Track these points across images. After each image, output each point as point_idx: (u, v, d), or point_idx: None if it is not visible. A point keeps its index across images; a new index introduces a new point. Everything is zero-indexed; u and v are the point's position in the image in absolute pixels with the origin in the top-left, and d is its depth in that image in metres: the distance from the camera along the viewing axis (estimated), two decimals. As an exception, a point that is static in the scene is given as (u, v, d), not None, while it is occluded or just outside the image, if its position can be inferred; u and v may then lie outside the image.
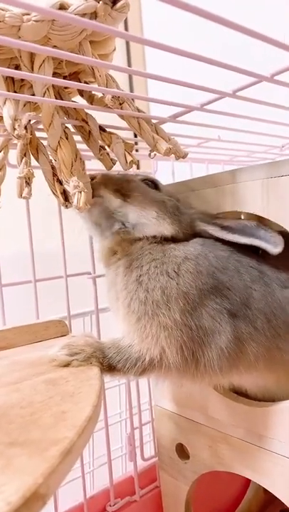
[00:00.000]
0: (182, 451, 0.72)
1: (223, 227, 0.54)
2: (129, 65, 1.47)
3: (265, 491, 0.60)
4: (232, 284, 0.51)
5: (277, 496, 0.57)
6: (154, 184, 0.59)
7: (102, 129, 0.53)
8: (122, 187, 0.56)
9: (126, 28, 1.44)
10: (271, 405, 0.58)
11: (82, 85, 0.47)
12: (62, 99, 0.52)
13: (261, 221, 0.55)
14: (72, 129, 0.55)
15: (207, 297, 0.50)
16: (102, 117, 0.54)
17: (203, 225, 0.56)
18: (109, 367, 0.51)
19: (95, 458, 0.91)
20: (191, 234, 0.56)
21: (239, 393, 0.63)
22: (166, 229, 0.54)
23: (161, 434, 0.76)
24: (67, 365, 0.48)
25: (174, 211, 0.56)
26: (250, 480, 0.66)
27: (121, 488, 0.81)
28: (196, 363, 0.50)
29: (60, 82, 0.44)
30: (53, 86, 0.49)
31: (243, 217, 0.73)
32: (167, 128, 0.56)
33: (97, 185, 0.55)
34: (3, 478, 0.25)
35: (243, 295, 0.51)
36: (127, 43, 1.48)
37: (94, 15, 0.43)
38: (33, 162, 0.53)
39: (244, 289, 0.51)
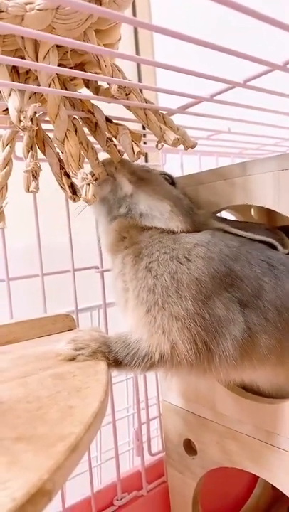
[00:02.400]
0: (190, 447, 0.72)
1: (235, 227, 0.54)
2: (138, 54, 1.45)
3: (273, 487, 0.59)
4: (243, 274, 0.49)
5: (285, 493, 0.56)
6: (171, 180, 0.58)
7: (108, 120, 0.52)
8: (139, 172, 0.56)
9: (134, 15, 1.42)
10: (280, 402, 0.57)
11: (88, 75, 0.46)
12: (67, 91, 0.51)
13: (272, 214, 0.54)
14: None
15: (219, 285, 0.48)
16: (108, 109, 0.54)
17: (218, 224, 0.55)
18: (115, 362, 0.50)
19: (103, 452, 0.91)
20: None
21: (250, 390, 0.62)
22: (177, 226, 0.53)
23: (169, 430, 0.75)
24: (72, 359, 0.47)
25: (188, 210, 0.55)
26: (258, 476, 0.65)
27: (128, 482, 0.81)
28: (210, 356, 0.48)
29: (65, 71, 0.43)
30: (58, 77, 0.48)
31: (253, 210, 0.72)
32: (176, 120, 0.55)
33: (112, 164, 0.55)
34: (8, 474, 0.25)
35: (254, 286, 0.49)
36: (135, 32, 1.46)
37: (98, 2, 0.42)
38: (40, 155, 0.52)
39: (255, 279, 0.50)
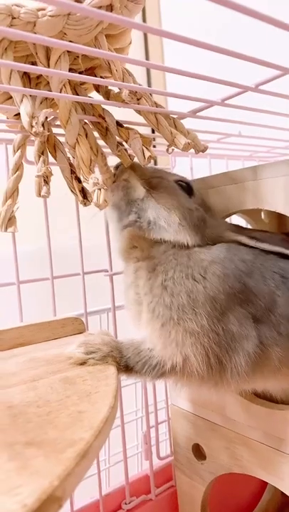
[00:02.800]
0: (198, 452, 0.72)
1: (251, 238, 0.53)
2: (147, 59, 1.45)
3: (283, 493, 0.58)
4: (257, 289, 0.50)
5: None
6: (188, 187, 0.56)
7: (119, 124, 0.52)
8: (152, 179, 0.55)
9: (144, 21, 1.42)
10: (290, 408, 0.56)
11: (99, 80, 0.46)
12: (78, 96, 0.51)
13: (283, 218, 0.54)
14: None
15: (234, 301, 0.49)
16: (119, 114, 0.54)
17: (234, 235, 0.54)
18: (126, 367, 0.50)
19: (111, 455, 0.91)
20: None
21: (263, 397, 0.61)
22: (186, 239, 0.52)
23: (178, 434, 0.75)
24: (83, 363, 0.47)
25: (199, 223, 0.53)
26: (267, 482, 0.65)
27: (136, 486, 0.81)
28: (221, 370, 0.48)
29: (76, 77, 0.43)
30: (69, 82, 0.48)
31: (263, 214, 0.72)
32: (186, 124, 0.55)
33: (125, 169, 0.55)
34: (19, 480, 0.25)
35: (267, 301, 0.50)
36: (145, 37, 1.46)
37: (110, 7, 0.42)
38: (51, 160, 0.53)
39: (269, 294, 0.50)
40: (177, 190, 0.55)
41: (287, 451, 0.56)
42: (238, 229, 0.57)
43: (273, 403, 0.59)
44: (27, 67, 0.42)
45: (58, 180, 0.53)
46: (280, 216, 0.68)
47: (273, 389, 0.58)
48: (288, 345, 0.50)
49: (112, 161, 0.60)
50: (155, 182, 0.54)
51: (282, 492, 0.58)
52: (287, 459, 0.57)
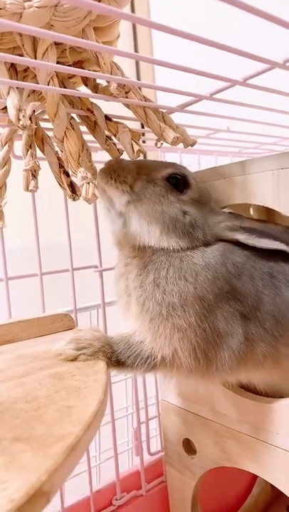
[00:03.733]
0: (189, 447, 0.72)
1: (250, 231, 0.53)
2: (136, 52, 1.45)
3: (272, 486, 0.59)
4: (245, 290, 0.51)
5: (284, 492, 0.56)
6: (183, 181, 0.54)
7: (108, 118, 0.52)
8: (136, 182, 0.52)
9: (132, 13, 1.42)
10: (277, 401, 0.57)
11: (87, 72, 0.46)
12: (66, 89, 0.51)
13: (271, 213, 0.54)
14: (77, 120, 0.54)
15: (222, 300, 0.50)
16: (108, 108, 0.53)
17: (232, 234, 0.53)
18: (117, 362, 0.51)
19: (101, 452, 0.91)
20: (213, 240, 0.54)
21: (248, 389, 0.62)
22: (171, 245, 0.51)
23: (168, 429, 0.75)
24: (74, 359, 0.47)
25: (187, 228, 0.52)
26: (257, 475, 0.65)
27: (127, 482, 0.81)
28: (208, 363, 0.50)
29: (64, 69, 0.43)
30: (57, 75, 0.47)
31: (252, 209, 0.72)
32: (175, 118, 0.55)
33: (106, 174, 0.52)
34: (6, 475, 0.25)
35: (254, 299, 0.51)
36: (134, 32, 1.45)
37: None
38: (39, 154, 0.52)
39: (256, 294, 0.51)
40: (162, 195, 0.52)
41: (276, 444, 0.57)
42: (239, 219, 0.55)
43: (262, 397, 0.60)
44: (14, 58, 0.41)
45: (47, 174, 0.52)
46: (268, 211, 0.69)
47: (257, 381, 0.60)
48: (272, 340, 0.51)
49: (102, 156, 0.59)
50: (139, 187, 0.52)
51: (271, 485, 0.59)
52: (276, 451, 0.57)
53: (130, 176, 0.52)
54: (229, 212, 0.57)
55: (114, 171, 0.52)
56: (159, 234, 0.51)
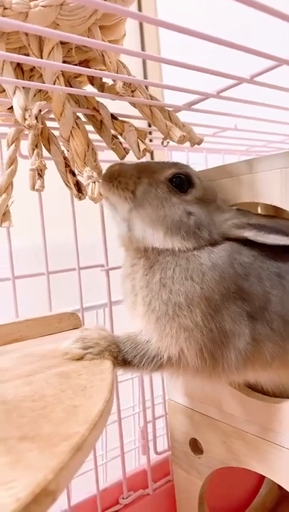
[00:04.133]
0: (196, 446, 0.72)
1: (259, 227, 0.52)
2: (143, 51, 1.44)
3: (280, 486, 0.59)
4: (252, 291, 0.51)
5: (293, 493, 0.56)
6: (187, 180, 0.53)
7: (114, 117, 0.52)
8: (138, 186, 0.51)
9: (139, 11, 1.41)
10: (285, 401, 0.57)
11: (93, 71, 0.46)
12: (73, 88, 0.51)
13: (279, 212, 0.53)
14: (83, 119, 0.54)
15: (229, 300, 0.50)
16: (114, 107, 0.53)
17: (240, 232, 0.52)
18: (123, 361, 0.51)
19: (108, 450, 0.91)
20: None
21: (255, 389, 0.61)
22: (176, 246, 0.51)
23: (175, 429, 0.75)
24: (80, 358, 0.47)
25: (192, 229, 0.51)
26: (264, 476, 0.65)
27: (134, 481, 0.81)
28: (214, 363, 0.50)
29: (70, 68, 0.43)
30: (62, 75, 0.47)
31: (259, 208, 0.71)
32: (182, 117, 0.55)
33: (108, 182, 0.52)
34: (12, 474, 0.25)
35: (261, 300, 0.51)
36: (141, 31, 1.45)
37: (105, -2, 0.42)
38: (45, 153, 0.52)
39: (263, 294, 0.51)
40: (165, 198, 0.51)
41: (283, 445, 0.57)
42: (247, 216, 0.54)
43: (270, 397, 0.59)
44: (20, 58, 0.41)
45: (53, 174, 0.52)
46: (276, 210, 0.68)
47: (264, 381, 0.59)
48: (280, 340, 0.51)
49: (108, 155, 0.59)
50: (141, 192, 0.51)
51: (279, 485, 0.58)
52: (283, 452, 0.57)
53: (132, 181, 0.52)
54: (237, 209, 0.56)
55: (116, 178, 0.52)
56: (163, 237, 0.51)
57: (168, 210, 0.51)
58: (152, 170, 0.53)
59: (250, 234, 0.52)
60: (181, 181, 0.53)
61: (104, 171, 0.53)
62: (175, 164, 0.55)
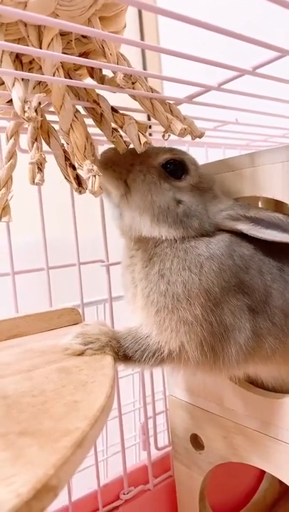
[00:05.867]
0: (197, 442, 0.72)
1: (257, 221, 0.51)
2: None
3: (281, 481, 0.59)
4: (253, 284, 0.50)
5: (294, 488, 0.56)
6: (181, 166, 0.52)
7: (114, 110, 0.51)
8: (130, 174, 0.51)
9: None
10: (287, 397, 0.57)
11: (93, 62, 0.45)
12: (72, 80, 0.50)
13: (280, 206, 0.53)
14: (83, 112, 0.53)
15: (229, 294, 0.49)
16: (114, 99, 0.52)
17: (233, 224, 0.52)
18: (124, 356, 0.50)
19: (109, 446, 0.91)
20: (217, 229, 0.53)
21: (255, 384, 0.61)
22: (163, 234, 0.51)
23: (176, 424, 0.75)
24: (80, 354, 0.47)
25: (180, 217, 0.50)
26: (265, 471, 0.65)
27: (134, 476, 0.81)
28: (214, 357, 0.50)
29: (69, 59, 0.42)
30: (62, 67, 0.47)
31: (260, 202, 0.71)
32: (182, 110, 0.54)
33: (102, 167, 0.51)
34: (13, 469, 0.24)
35: (262, 294, 0.50)
36: (140, 22, 1.43)
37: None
38: (45, 147, 0.52)
39: (264, 288, 0.50)
40: (154, 183, 0.51)
41: (285, 440, 0.56)
42: (245, 208, 0.52)
43: (271, 392, 0.59)
44: (19, 48, 0.40)
45: (53, 168, 0.52)
46: (277, 204, 0.68)
47: (265, 376, 0.59)
48: (281, 334, 0.51)
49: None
50: (132, 178, 0.51)
51: (280, 481, 0.58)
52: (284, 447, 0.56)
53: (125, 167, 0.51)
54: (235, 201, 0.55)
55: (110, 165, 0.51)
56: (150, 224, 0.51)
57: (155, 196, 0.51)
58: (147, 155, 0.52)
59: (244, 227, 0.51)
60: (176, 167, 0.52)
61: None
62: (170, 150, 0.54)
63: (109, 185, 0.52)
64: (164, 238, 0.51)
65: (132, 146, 0.50)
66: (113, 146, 0.53)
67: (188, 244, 0.51)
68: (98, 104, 0.51)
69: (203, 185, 0.54)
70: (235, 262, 0.50)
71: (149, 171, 0.52)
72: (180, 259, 0.50)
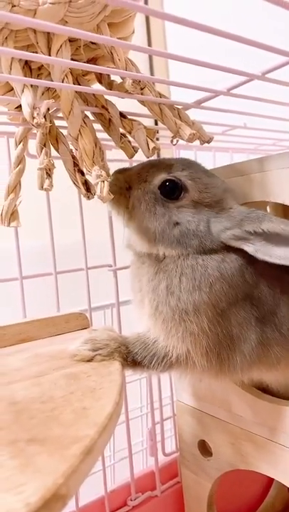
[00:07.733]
0: (204, 448, 0.71)
1: (270, 236, 0.47)
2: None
3: (290, 490, 0.58)
4: (262, 297, 0.50)
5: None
6: (178, 186, 0.50)
7: (122, 115, 0.51)
8: (134, 191, 0.53)
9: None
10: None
11: (101, 68, 0.45)
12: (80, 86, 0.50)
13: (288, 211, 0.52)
14: (91, 118, 0.53)
15: (236, 306, 0.49)
16: (122, 105, 0.53)
17: (238, 244, 0.49)
18: (133, 362, 0.50)
19: (116, 452, 0.90)
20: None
21: (260, 388, 0.61)
22: (163, 252, 0.51)
23: (183, 430, 0.74)
24: (89, 360, 0.47)
25: (177, 238, 0.50)
26: (273, 478, 0.64)
27: (142, 482, 0.80)
28: (220, 364, 0.50)
29: (78, 65, 0.42)
30: (71, 73, 0.47)
31: (269, 207, 0.70)
32: (190, 115, 0.54)
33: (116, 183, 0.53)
34: (22, 478, 0.24)
35: (271, 305, 0.50)
36: (148, 28, 1.44)
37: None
38: (53, 152, 0.52)
39: (273, 299, 0.51)
40: (149, 210, 0.51)
41: (294, 448, 0.56)
42: (256, 222, 0.48)
43: (279, 399, 0.59)
44: (28, 55, 0.41)
45: (61, 173, 0.52)
46: (285, 208, 0.67)
47: (270, 380, 0.59)
48: (287, 344, 0.51)
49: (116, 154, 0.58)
50: (131, 206, 0.53)
51: (288, 488, 0.57)
52: (293, 455, 0.56)
53: (124, 197, 0.53)
54: (249, 210, 0.51)
55: (117, 184, 0.53)
56: (148, 245, 0.52)
57: (150, 223, 0.51)
58: (144, 178, 0.52)
59: (249, 249, 0.48)
60: (172, 187, 0.50)
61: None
62: (169, 167, 0.52)
63: (115, 213, 0.55)
64: (166, 255, 0.51)
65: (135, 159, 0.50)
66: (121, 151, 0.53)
67: (194, 261, 0.49)
68: (107, 109, 0.51)
69: (207, 200, 0.51)
70: (246, 279, 0.50)
71: (144, 197, 0.52)
72: (188, 278, 0.49)
